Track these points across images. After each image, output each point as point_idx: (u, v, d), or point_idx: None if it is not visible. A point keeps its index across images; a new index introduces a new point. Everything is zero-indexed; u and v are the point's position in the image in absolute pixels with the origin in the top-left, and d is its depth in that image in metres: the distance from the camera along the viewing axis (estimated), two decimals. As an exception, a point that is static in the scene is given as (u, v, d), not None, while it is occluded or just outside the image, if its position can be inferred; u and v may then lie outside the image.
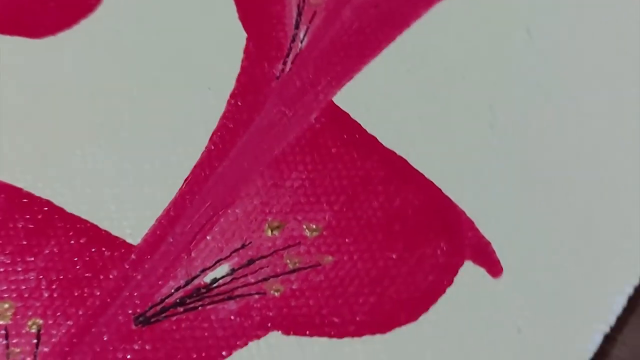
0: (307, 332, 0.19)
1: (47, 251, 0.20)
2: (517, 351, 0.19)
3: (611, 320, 0.19)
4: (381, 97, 0.22)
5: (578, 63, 0.22)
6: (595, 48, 0.22)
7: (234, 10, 0.24)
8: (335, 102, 0.22)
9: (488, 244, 0.20)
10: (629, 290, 0.19)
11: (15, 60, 0.23)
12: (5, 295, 0.20)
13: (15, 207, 0.21)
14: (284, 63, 0.23)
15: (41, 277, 0.20)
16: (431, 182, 0.21)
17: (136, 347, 0.19)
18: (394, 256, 0.20)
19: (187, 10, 0.23)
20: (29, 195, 0.21)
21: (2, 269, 0.20)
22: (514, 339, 0.19)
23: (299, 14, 0.23)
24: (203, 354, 0.19)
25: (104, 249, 0.20)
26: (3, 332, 0.20)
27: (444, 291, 0.20)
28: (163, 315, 0.20)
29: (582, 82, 0.22)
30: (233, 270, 0.20)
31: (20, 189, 0.21)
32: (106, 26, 0.23)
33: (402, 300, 0.20)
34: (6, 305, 0.20)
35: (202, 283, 0.20)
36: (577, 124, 0.21)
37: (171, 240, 0.21)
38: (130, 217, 0.21)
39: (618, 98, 0.22)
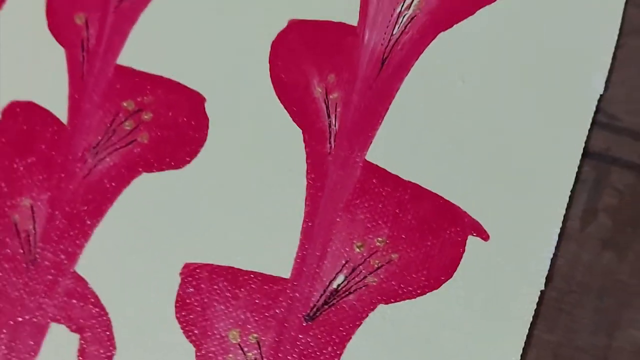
0: (397, 299, 0.36)
1: (241, 296, 0.36)
2: (490, 261, 0.35)
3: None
4: (390, 147, 0.37)
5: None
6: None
7: (287, 115, 0.38)
8: (367, 159, 0.37)
9: (477, 222, 0.36)
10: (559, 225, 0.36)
11: (173, 184, 0.38)
12: (231, 327, 0.36)
13: (215, 277, 0.36)
14: (329, 143, 0.38)
15: (245, 311, 0.36)
16: (437, 194, 0.37)
17: (311, 333, 0.36)
18: (429, 244, 0.36)
19: (260, 127, 0.38)
20: (218, 267, 0.36)
21: (224, 315, 0.36)
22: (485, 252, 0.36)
23: (327, 107, 0.38)
24: (347, 327, 0.36)
25: (272, 285, 0.36)
26: (239, 346, 0.36)
27: (461, 256, 0.36)
28: (318, 312, 0.36)
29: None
30: (346, 277, 0.36)
31: (210, 264, 0.36)
32: (214, 151, 0.38)
33: (441, 267, 0.36)
34: (235, 332, 0.36)
35: (332, 289, 0.36)
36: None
37: (305, 269, 0.36)
38: (279, 263, 0.36)
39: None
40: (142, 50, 0.39)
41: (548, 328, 0.35)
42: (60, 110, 0.39)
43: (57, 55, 0.39)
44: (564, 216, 0.36)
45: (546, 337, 0.35)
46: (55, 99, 0.39)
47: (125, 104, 0.39)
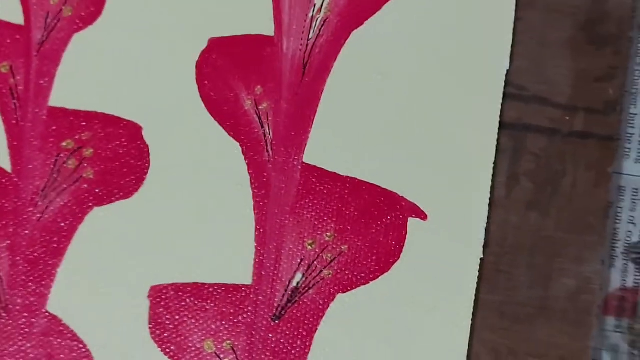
0: (353, 287, 0.39)
1: (209, 308, 0.39)
2: (431, 238, 0.39)
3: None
4: (324, 147, 0.40)
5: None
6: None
7: (223, 131, 0.40)
8: (305, 161, 0.40)
9: (414, 204, 0.39)
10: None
11: (125, 212, 0.39)
12: (205, 338, 0.38)
13: (182, 294, 0.39)
14: (267, 151, 0.40)
15: (215, 321, 0.38)
16: (374, 184, 0.40)
17: (279, 331, 0.38)
18: (374, 231, 0.39)
19: (199, 146, 0.40)
20: (182, 285, 0.39)
21: (196, 328, 0.38)
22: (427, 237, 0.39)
23: (259, 118, 0.40)
24: (312, 320, 0.39)
25: (235, 292, 0.39)
26: (215, 354, 0.38)
27: (405, 238, 0.39)
28: (283, 311, 0.39)
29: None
30: (303, 274, 0.39)
31: (175, 284, 0.39)
32: (159, 176, 0.40)
33: (388, 251, 0.39)
34: (209, 342, 0.38)
35: (292, 287, 0.39)
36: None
37: (264, 273, 0.39)
38: (240, 271, 0.39)
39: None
40: (71, 89, 0.40)
41: (490, 290, 0.39)
42: (2, 159, 0.40)
43: (-11, 106, 0.40)
44: (491, 186, 0.39)
45: (490, 298, 0.39)
46: (-5, 149, 0.40)
47: (64, 144, 0.40)
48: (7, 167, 0.40)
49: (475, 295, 0.38)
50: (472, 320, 0.38)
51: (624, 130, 0.42)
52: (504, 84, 0.40)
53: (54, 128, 0.40)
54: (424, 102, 0.40)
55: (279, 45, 0.41)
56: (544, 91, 0.40)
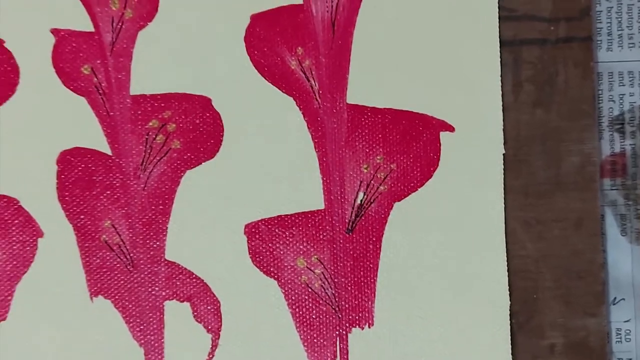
0: (406, 195, 0.48)
1: (295, 233, 0.48)
2: (460, 145, 0.48)
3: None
4: (362, 87, 0.49)
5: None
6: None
7: (277, 90, 0.49)
8: (348, 102, 0.49)
9: (443, 121, 0.48)
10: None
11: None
12: (296, 257, 0.48)
13: (271, 227, 0.48)
14: (316, 100, 0.49)
15: (302, 242, 0.48)
16: (407, 110, 0.48)
17: (353, 240, 0.48)
18: (414, 148, 0.48)
19: (261, 106, 0.48)
20: (270, 219, 0.48)
21: (288, 250, 0.48)
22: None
23: (305, 74, 0.49)
24: (377, 227, 0.48)
25: (314, 217, 0.48)
26: (307, 268, 0.48)
27: (440, 149, 0.48)
28: (354, 224, 0.48)
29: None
30: (364, 193, 0.48)
31: (263, 219, 0.48)
32: (233, 136, 0.48)
33: (429, 161, 0.48)
34: (301, 259, 0.48)
35: (358, 204, 0.48)
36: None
37: (333, 198, 0.48)
38: (313, 200, 0.48)
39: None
40: (146, 78, 0.49)
41: (514, 176, 0.48)
42: (101, 145, 0.49)
43: (81, 105, 0.49)
44: (500, 94, 0.48)
45: (515, 183, 0.48)
46: (94, 138, 0.49)
47: (150, 124, 0.49)
48: (107, 151, 0.49)
49: (503, 183, 0.48)
50: (504, 202, 0.48)
51: (595, 27, 0.51)
52: (497, 8, 0.49)
53: (139, 112, 0.49)
54: (436, 36, 0.49)
55: (309, 10, 0.49)
56: (530, 9, 0.49)
